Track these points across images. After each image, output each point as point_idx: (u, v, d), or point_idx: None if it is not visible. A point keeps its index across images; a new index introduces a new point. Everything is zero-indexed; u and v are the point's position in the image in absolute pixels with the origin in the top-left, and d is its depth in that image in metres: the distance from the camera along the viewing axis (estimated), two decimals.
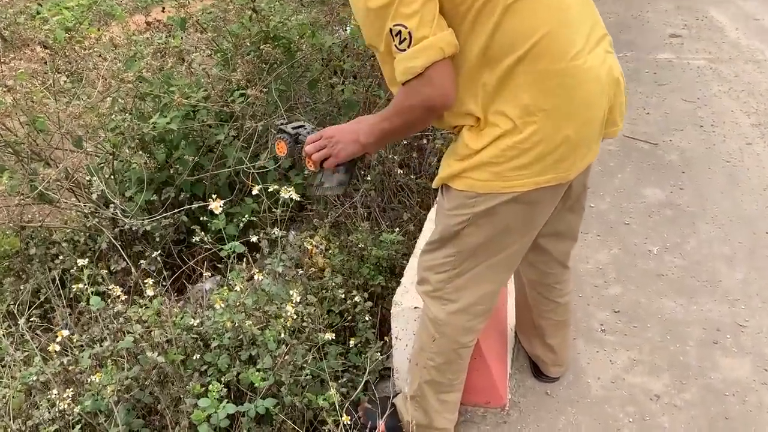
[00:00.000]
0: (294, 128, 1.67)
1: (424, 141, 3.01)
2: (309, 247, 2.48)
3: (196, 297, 2.91)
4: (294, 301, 1.84)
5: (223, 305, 1.81)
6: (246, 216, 2.44)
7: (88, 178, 3.14)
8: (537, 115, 1.43)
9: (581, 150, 1.52)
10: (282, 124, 1.70)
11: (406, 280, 2.13)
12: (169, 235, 2.99)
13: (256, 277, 1.89)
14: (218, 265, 2.85)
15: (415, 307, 1.99)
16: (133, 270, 2.59)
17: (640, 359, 2.32)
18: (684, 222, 3.11)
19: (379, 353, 2.14)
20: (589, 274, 2.77)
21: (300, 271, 2.52)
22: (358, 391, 1.92)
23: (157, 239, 2.95)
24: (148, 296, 1.90)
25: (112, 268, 2.89)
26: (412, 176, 2.96)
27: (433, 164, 2.97)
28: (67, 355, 1.86)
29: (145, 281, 2.64)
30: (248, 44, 3.16)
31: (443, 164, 1.60)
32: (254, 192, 2.06)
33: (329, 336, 1.86)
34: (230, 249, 1.96)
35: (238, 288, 1.87)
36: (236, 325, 1.78)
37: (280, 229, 2.83)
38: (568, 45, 1.42)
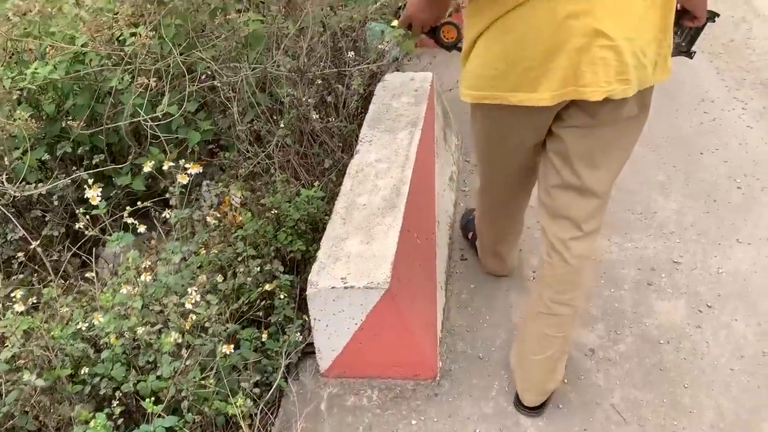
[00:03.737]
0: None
1: (339, 84, 2.72)
2: (226, 209, 2.25)
3: (109, 261, 2.69)
4: (193, 301, 1.64)
5: (101, 319, 1.59)
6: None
7: None
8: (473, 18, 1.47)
9: (524, 78, 1.43)
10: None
11: (322, 254, 1.91)
12: (70, 195, 2.71)
13: (155, 270, 1.66)
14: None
15: (333, 287, 1.81)
16: (30, 240, 2.34)
17: None
18: None
19: (299, 334, 1.98)
20: None
21: (213, 234, 2.31)
22: (278, 381, 1.78)
23: (56, 202, 2.68)
24: (18, 311, 1.66)
25: (9, 237, 2.64)
26: (330, 119, 2.70)
27: (351, 106, 2.70)
28: None
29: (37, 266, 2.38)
30: None
31: None
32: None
33: (227, 349, 1.66)
34: (116, 240, 1.72)
35: (124, 290, 1.65)
36: (125, 332, 1.58)
37: (188, 183, 2.56)
38: None
